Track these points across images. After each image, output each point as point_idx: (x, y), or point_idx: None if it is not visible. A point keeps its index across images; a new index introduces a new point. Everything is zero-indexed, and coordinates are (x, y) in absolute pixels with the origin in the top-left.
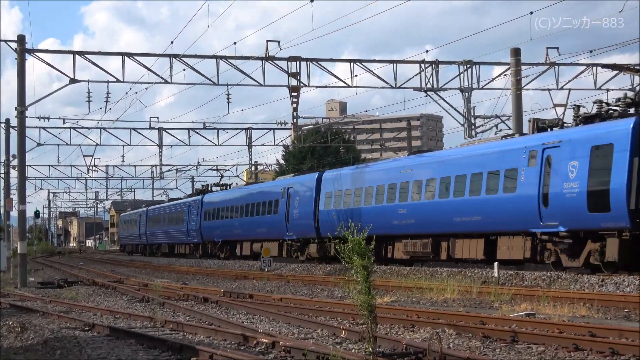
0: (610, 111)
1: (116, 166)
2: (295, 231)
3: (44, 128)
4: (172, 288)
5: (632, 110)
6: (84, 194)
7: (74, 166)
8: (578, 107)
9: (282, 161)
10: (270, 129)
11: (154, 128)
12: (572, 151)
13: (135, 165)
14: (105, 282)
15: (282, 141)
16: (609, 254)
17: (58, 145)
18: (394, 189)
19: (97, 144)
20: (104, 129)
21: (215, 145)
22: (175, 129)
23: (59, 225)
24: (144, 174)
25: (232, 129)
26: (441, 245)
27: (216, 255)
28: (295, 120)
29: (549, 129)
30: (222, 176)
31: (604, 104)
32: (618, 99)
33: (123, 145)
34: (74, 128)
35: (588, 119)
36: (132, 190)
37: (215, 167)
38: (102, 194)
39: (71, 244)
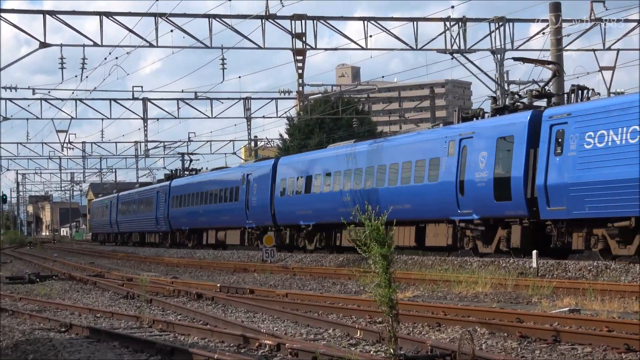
0: (517, 104)
1: (94, 143)
2: (254, 219)
3: (10, 100)
4: (160, 283)
5: (540, 102)
6: (57, 175)
7: (45, 143)
8: (495, 98)
9: (285, 136)
10: (272, 99)
11: (137, 99)
12: (482, 142)
13: (116, 142)
14: (84, 277)
15: (285, 113)
16: (513, 240)
17: (27, 119)
18: (339, 175)
19: (72, 118)
20: (80, 100)
21: (209, 117)
22: (162, 99)
23: (29, 212)
24: (126, 152)
25: (228, 99)
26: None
27: (184, 244)
28: (300, 88)
29: (474, 119)
30: (191, 160)
31: (516, 96)
32: (526, 92)
33: (102, 119)
34: (45, 99)
35: (499, 111)
36: (113, 170)
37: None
38: (78, 175)
39: (43, 233)
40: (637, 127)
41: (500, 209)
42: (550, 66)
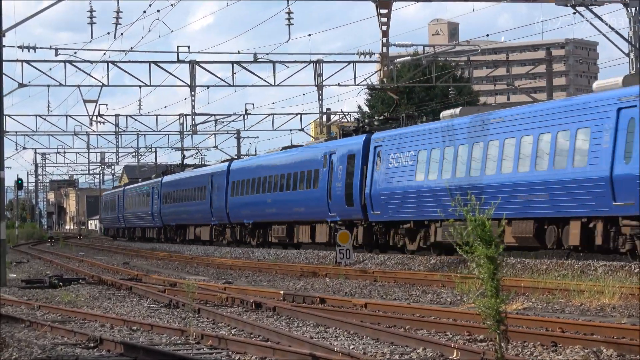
0: (366, 126)
1: (130, 116)
2: (217, 216)
3: (28, 62)
4: (210, 289)
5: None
6: (84, 155)
7: (70, 116)
8: (358, 120)
9: (365, 108)
10: (349, 63)
11: (183, 61)
12: (340, 157)
13: (157, 115)
14: (117, 280)
15: (365, 80)
16: (359, 238)
17: (48, 86)
18: (265, 182)
19: (104, 85)
20: (113, 63)
21: (271, 85)
22: (213, 62)
23: (50, 200)
24: (169, 127)
25: (295, 62)
26: (294, 230)
27: (173, 239)
28: (384, 49)
29: (354, 133)
30: (184, 156)
31: (360, 121)
32: (379, 115)
33: (140, 87)
34: (70, 62)
35: (355, 131)
36: (153, 150)
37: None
38: (110, 156)
39: (67, 226)
40: (413, 153)
41: (350, 213)
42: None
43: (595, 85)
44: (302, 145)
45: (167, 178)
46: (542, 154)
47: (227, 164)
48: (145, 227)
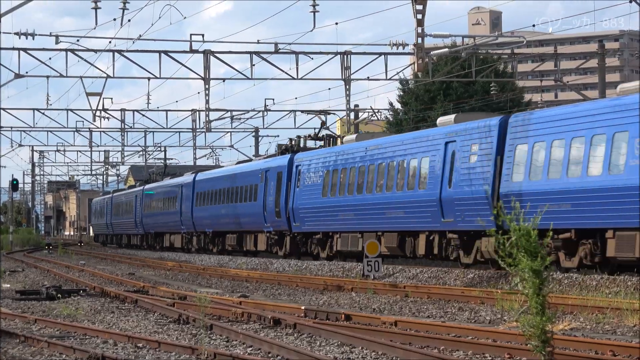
0: (295, 146)
1: (138, 111)
2: (185, 225)
3: (25, 50)
4: (224, 303)
5: (320, 143)
6: (87, 154)
7: (71, 110)
8: (291, 139)
9: (398, 105)
10: (380, 54)
11: (197, 51)
12: (272, 174)
13: (167, 110)
14: (121, 292)
15: (398, 74)
16: (285, 247)
17: (48, 77)
18: (221, 194)
19: (109, 76)
20: (120, 52)
21: (294, 79)
22: (230, 52)
23: (48, 203)
24: (180, 124)
25: (321, 53)
26: (243, 238)
27: (153, 247)
28: (419, 40)
29: (287, 152)
30: (165, 165)
31: (294, 140)
32: (313, 136)
33: (149, 79)
34: (72, 50)
35: (287, 150)
36: (163, 148)
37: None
38: (115, 155)
39: (67, 232)
40: (321, 173)
41: (279, 224)
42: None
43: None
44: (252, 160)
45: (148, 187)
46: (400, 178)
47: (194, 175)
48: (130, 234)
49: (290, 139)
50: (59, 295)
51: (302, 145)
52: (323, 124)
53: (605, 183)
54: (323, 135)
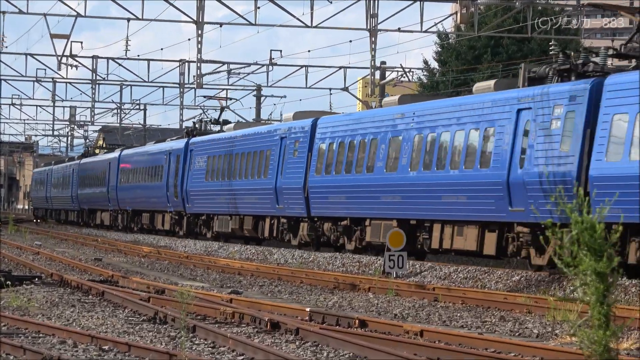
0: (198, 129)
1: (113, 59)
2: (112, 203)
3: None
4: (211, 300)
5: (217, 128)
6: (48, 110)
7: (31, 55)
8: (194, 122)
9: (435, 64)
10: (415, 1)
11: None
12: (173, 157)
13: (149, 60)
14: (84, 282)
15: (436, 25)
16: (183, 227)
17: (4, 13)
18: (137, 171)
19: (79, 15)
20: None
21: (307, 27)
22: None
23: (1, 169)
24: (165, 77)
25: None
26: (155, 217)
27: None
28: None
29: (189, 136)
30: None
31: (196, 126)
32: (213, 120)
33: (128, 20)
34: None
35: (190, 133)
36: (142, 106)
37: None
38: (83, 112)
39: (20, 205)
40: (205, 158)
41: (177, 204)
42: None
43: None
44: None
45: (84, 161)
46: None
47: (120, 151)
48: (67, 209)
49: (193, 122)
50: (8, 282)
51: (203, 129)
52: (223, 109)
53: None
54: (222, 121)
